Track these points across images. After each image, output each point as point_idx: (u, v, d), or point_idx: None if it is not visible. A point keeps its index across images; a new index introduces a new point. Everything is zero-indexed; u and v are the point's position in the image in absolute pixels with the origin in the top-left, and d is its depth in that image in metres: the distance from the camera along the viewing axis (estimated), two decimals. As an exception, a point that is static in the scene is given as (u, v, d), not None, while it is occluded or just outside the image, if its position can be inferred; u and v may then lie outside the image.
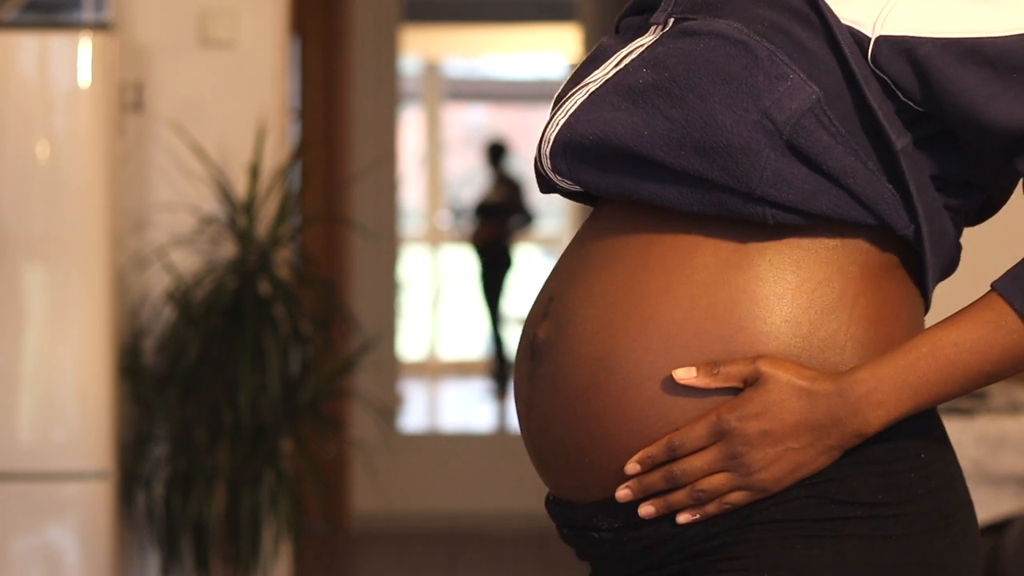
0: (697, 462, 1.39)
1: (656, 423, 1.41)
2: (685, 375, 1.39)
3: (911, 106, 1.42)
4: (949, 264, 1.49)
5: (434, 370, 11.00)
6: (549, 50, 11.54)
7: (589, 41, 7.64)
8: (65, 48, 3.74)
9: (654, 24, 1.51)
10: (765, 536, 1.41)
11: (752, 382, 1.39)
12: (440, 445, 7.47)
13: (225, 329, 4.06)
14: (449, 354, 11.47)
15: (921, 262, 1.45)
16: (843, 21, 1.42)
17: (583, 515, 1.47)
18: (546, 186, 1.53)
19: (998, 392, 4.20)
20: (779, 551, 1.40)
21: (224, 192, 4.21)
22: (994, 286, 1.40)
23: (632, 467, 1.40)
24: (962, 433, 3.89)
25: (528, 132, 12.24)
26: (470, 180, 11.47)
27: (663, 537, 1.43)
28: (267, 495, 4.08)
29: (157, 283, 4.23)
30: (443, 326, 11.56)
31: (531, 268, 11.47)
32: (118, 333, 3.93)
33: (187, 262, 4.24)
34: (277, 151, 4.33)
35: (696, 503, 1.40)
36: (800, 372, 1.40)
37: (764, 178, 1.38)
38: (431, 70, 11.99)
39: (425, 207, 11.91)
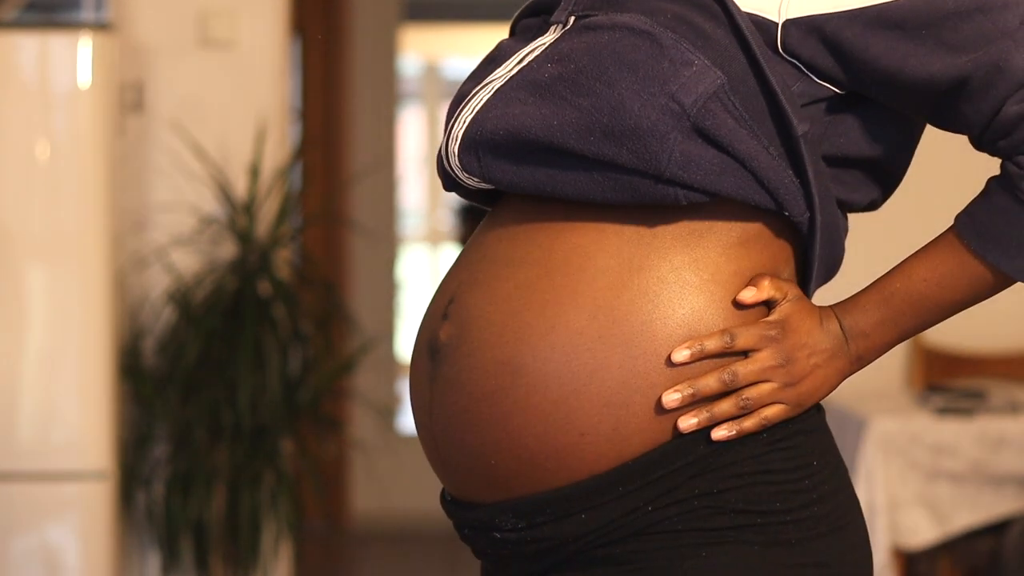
0: (752, 365, 1.43)
1: (562, 426, 1.42)
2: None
3: (825, 87, 1.45)
4: (834, 263, 1.52)
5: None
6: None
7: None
8: (65, 48, 3.74)
9: (555, 23, 1.52)
10: (665, 544, 1.42)
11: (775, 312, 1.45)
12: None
13: (225, 329, 4.06)
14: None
15: (809, 255, 1.48)
16: (744, 9, 1.44)
17: (486, 515, 1.48)
18: (450, 184, 1.54)
19: (998, 392, 4.20)
20: (679, 559, 1.42)
21: (224, 192, 4.20)
22: (954, 226, 1.47)
23: (681, 354, 1.41)
24: (962, 433, 3.89)
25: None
26: (470, 180, 11.46)
27: (566, 539, 1.44)
28: (267, 495, 4.08)
29: (157, 283, 4.23)
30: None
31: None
32: (118, 333, 3.93)
33: (187, 262, 4.24)
34: (277, 151, 4.33)
35: (740, 414, 1.42)
36: (810, 304, 1.47)
37: (672, 159, 1.39)
38: (431, 70, 11.99)
39: (425, 207, 11.91)
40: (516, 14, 1.61)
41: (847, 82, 1.45)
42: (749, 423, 1.43)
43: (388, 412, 6.72)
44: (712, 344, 1.41)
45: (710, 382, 1.41)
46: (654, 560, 1.42)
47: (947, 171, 3.56)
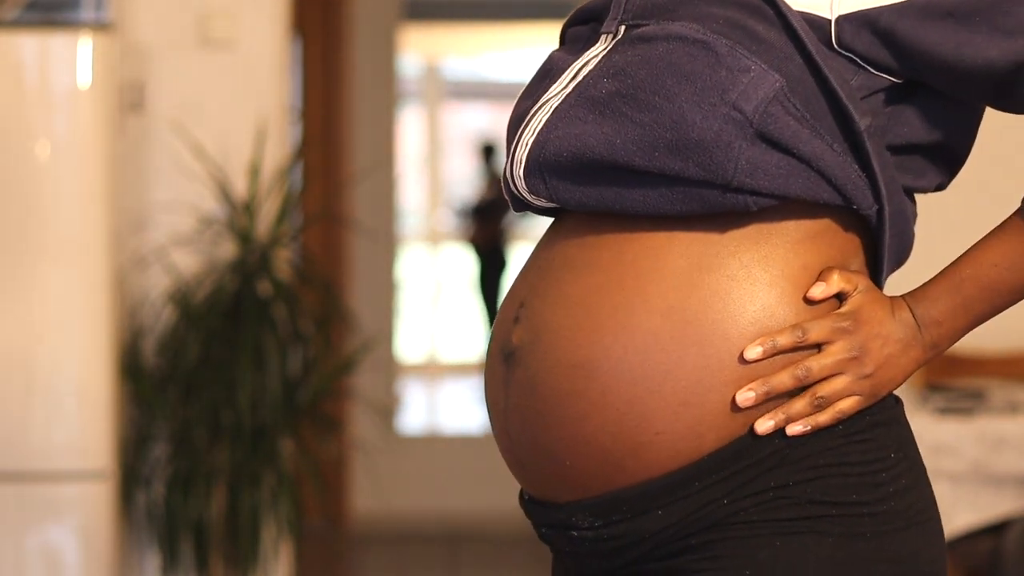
0: (826, 359, 1.43)
1: (638, 426, 1.43)
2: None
3: (884, 77, 1.46)
4: (904, 250, 1.53)
5: (434, 371, 11.00)
6: (549, 50, 11.52)
7: (589, 41, 7.64)
8: (65, 48, 3.74)
9: (605, 33, 1.52)
10: (740, 535, 1.43)
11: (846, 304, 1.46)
12: (439, 446, 7.47)
13: (225, 329, 4.06)
14: (448, 355, 11.46)
15: (879, 245, 1.49)
16: (796, 8, 1.45)
17: (563, 515, 1.49)
18: (519, 205, 1.55)
19: (998, 392, 4.20)
20: (753, 549, 1.43)
21: (224, 192, 4.20)
22: (1021, 209, 1.47)
23: (754, 351, 1.42)
24: (962, 433, 3.89)
25: (528, 132, 12.23)
26: (470, 180, 11.47)
27: (642, 535, 1.46)
28: (267, 495, 4.08)
29: (157, 283, 4.23)
30: (442, 326, 11.55)
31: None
32: (118, 333, 3.93)
33: (187, 262, 4.24)
34: (277, 151, 4.33)
35: (814, 411, 1.43)
36: (881, 294, 1.48)
37: (739, 168, 1.41)
38: (431, 70, 12.00)
39: (425, 207, 11.91)
40: (565, 21, 1.62)
41: (904, 73, 1.46)
42: (824, 417, 1.44)
43: (388, 412, 6.72)
44: (784, 340, 1.43)
45: (784, 379, 1.43)
46: (728, 551, 1.43)
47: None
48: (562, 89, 1.50)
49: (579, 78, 1.50)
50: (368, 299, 6.56)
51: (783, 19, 1.44)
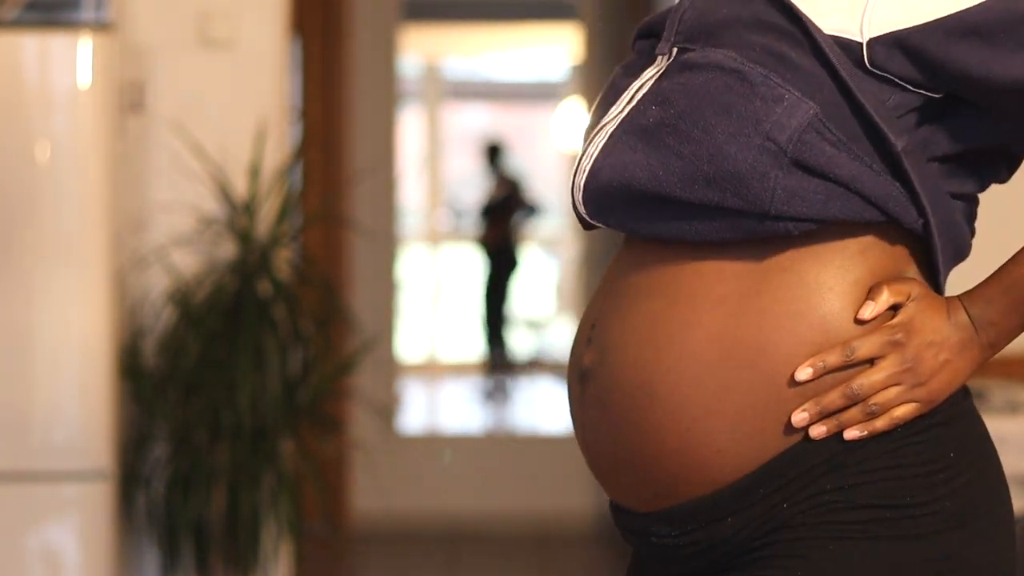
0: (876, 375, 1.47)
1: (699, 445, 1.49)
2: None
3: (921, 94, 1.49)
4: (960, 250, 1.56)
5: (434, 371, 11.00)
6: (549, 49, 11.53)
7: (589, 41, 7.64)
8: (65, 48, 3.74)
9: (660, 54, 1.56)
10: (797, 538, 1.48)
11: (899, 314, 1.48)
12: (439, 446, 7.46)
13: (225, 329, 4.06)
14: (448, 355, 11.46)
15: (931, 251, 1.52)
16: (827, 31, 1.48)
17: (641, 523, 1.56)
18: (588, 225, 1.59)
19: (998, 392, 4.20)
20: (808, 553, 1.47)
21: (224, 192, 4.20)
22: None
23: (804, 373, 1.46)
24: (962, 433, 3.88)
25: (528, 132, 12.23)
26: (470, 180, 11.47)
27: (715, 541, 1.52)
28: (267, 495, 4.07)
29: (157, 283, 4.23)
30: (442, 326, 11.55)
31: (534, 268, 11.46)
32: (118, 333, 3.93)
33: (187, 262, 4.24)
34: (277, 151, 4.33)
35: (867, 418, 1.47)
36: (937, 299, 1.51)
37: (776, 197, 1.45)
38: (431, 70, 12.00)
39: (425, 207, 11.91)
40: (636, 30, 1.64)
41: (940, 89, 1.49)
42: (880, 423, 1.48)
43: (388, 412, 6.72)
44: (833, 359, 1.47)
45: (835, 399, 1.47)
46: (785, 553, 1.48)
47: None
48: (618, 113, 1.55)
49: (633, 103, 1.54)
50: (368, 299, 6.56)
51: (813, 44, 1.47)
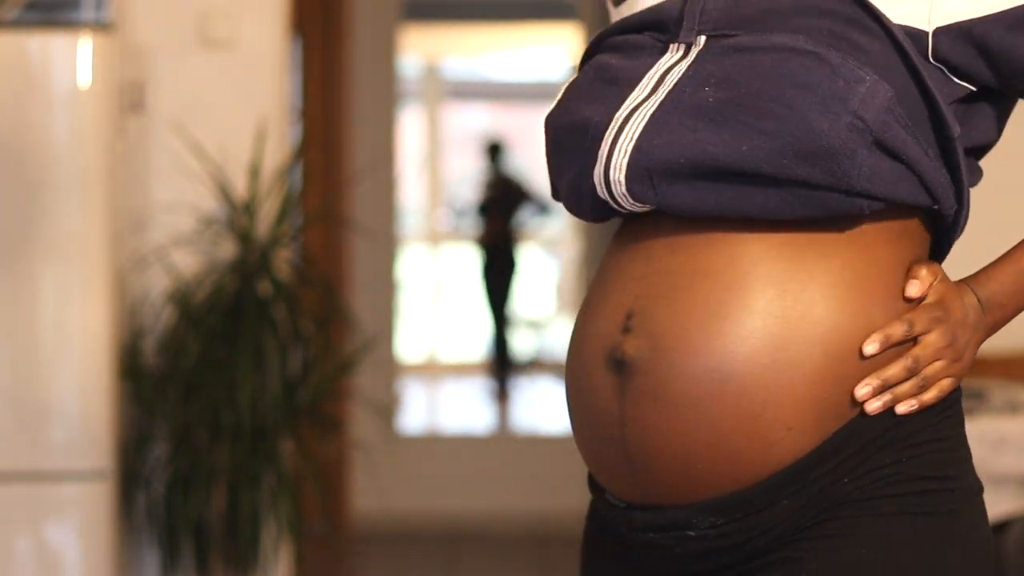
0: (928, 349, 1.53)
1: (770, 425, 1.50)
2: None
3: (963, 86, 1.55)
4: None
5: (434, 371, 11.00)
6: (549, 49, 11.53)
7: (589, 40, 7.63)
8: (65, 48, 3.74)
9: (679, 43, 1.56)
10: (860, 513, 1.52)
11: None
12: (440, 446, 7.47)
13: (225, 329, 4.06)
14: (448, 355, 11.46)
15: (950, 236, 1.60)
16: (895, 21, 1.52)
17: (682, 517, 1.54)
18: (600, 212, 1.58)
19: (998, 392, 4.20)
20: (871, 527, 1.52)
21: (224, 192, 4.20)
22: None
23: (871, 347, 1.51)
24: (962, 433, 3.89)
25: (528, 132, 12.23)
26: (470, 180, 11.46)
27: (763, 528, 1.53)
28: (267, 495, 4.07)
29: (157, 283, 4.23)
30: (443, 326, 11.55)
31: (534, 268, 11.46)
32: (118, 333, 3.93)
33: (187, 262, 4.24)
34: (277, 151, 4.33)
35: (918, 391, 1.53)
36: (952, 282, 1.58)
37: (861, 175, 1.48)
38: (431, 70, 12.00)
39: (425, 207, 11.91)
40: (605, 31, 1.65)
41: (989, 80, 1.54)
42: (929, 395, 1.54)
43: (388, 412, 6.72)
44: (897, 333, 1.52)
45: (896, 371, 1.52)
46: (847, 529, 1.52)
47: None
48: (647, 97, 1.54)
49: (668, 85, 1.54)
50: (368, 299, 6.56)
51: (887, 31, 1.52)
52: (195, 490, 4.03)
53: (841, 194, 1.49)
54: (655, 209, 1.55)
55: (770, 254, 1.51)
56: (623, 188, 1.54)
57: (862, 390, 1.51)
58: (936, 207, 1.55)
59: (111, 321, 3.79)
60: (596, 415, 1.57)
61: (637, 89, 1.55)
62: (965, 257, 1.73)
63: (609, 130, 1.54)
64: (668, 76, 1.55)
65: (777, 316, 1.50)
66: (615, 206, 1.56)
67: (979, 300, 1.58)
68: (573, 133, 1.58)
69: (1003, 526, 3.92)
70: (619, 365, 1.54)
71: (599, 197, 1.56)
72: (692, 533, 1.54)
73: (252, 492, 4.05)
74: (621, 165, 1.53)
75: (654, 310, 1.53)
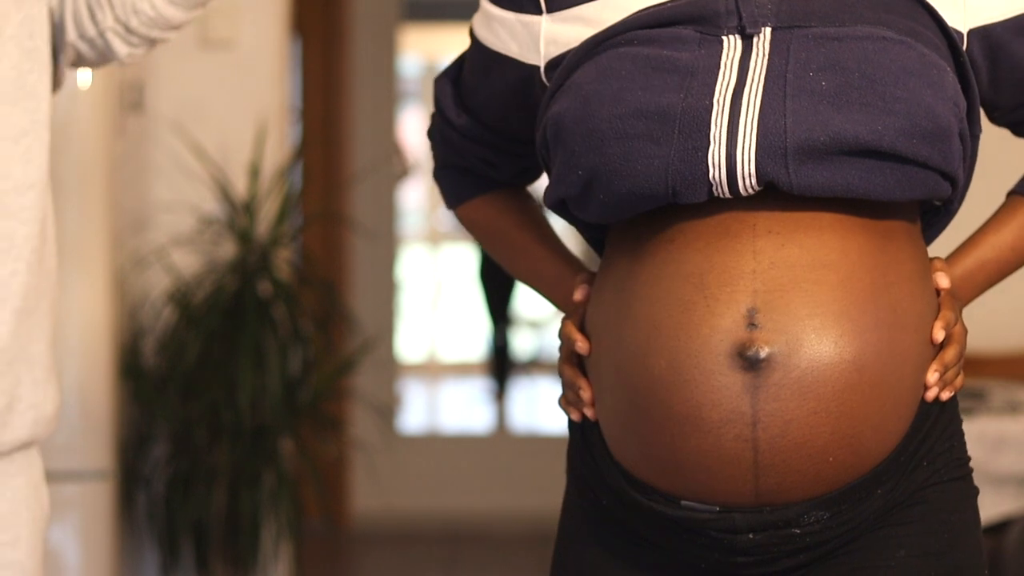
0: (961, 336, 1.61)
1: (891, 413, 1.55)
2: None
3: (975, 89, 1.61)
4: None
5: (434, 371, 11.00)
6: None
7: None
8: (65, 48, 3.73)
9: (737, 35, 1.57)
10: (937, 496, 1.60)
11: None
12: (440, 445, 7.47)
13: (225, 329, 4.06)
14: (448, 355, 11.46)
15: (939, 229, 1.67)
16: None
17: (792, 514, 1.55)
18: (689, 194, 1.54)
19: (998, 392, 4.20)
20: (951, 512, 1.60)
21: (224, 192, 4.20)
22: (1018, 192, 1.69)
23: (940, 333, 1.58)
24: (962, 433, 3.88)
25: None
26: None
27: (857, 522, 1.57)
28: (267, 495, 4.07)
29: (157, 283, 4.23)
30: (442, 326, 11.55)
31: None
32: (118, 333, 3.93)
33: (187, 262, 4.24)
34: (277, 151, 4.33)
35: (955, 377, 1.61)
36: None
37: (958, 158, 1.55)
38: (431, 70, 11.99)
39: (425, 207, 11.90)
40: (618, 26, 1.62)
41: (986, 85, 1.61)
42: (960, 381, 1.61)
43: (388, 412, 6.72)
44: (952, 320, 1.60)
45: (951, 357, 1.59)
46: (928, 513, 1.59)
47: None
48: (739, 82, 1.54)
49: (758, 72, 1.54)
50: (368, 299, 6.56)
51: (942, 29, 1.57)
52: (195, 490, 4.03)
53: (941, 175, 1.54)
54: (735, 201, 1.55)
55: (870, 245, 1.55)
56: (751, 167, 1.52)
57: (933, 375, 1.57)
58: (948, 201, 1.61)
59: (111, 321, 3.79)
60: (714, 415, 1.53)
61: (720, 76, 1.55)
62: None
63: (716, 113, 1.53)
64: (751, 63, 1.55)
65: (889, 305, 1.54)
66: (722, 190, 1.54)
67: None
68: (644, 120, 1.54)
69: (1003, 526, 3.91)
70: (752, 362, 1.52)
71: (708, 179, 1.53)
72: (797, 530, 1.55)
73: (252, 492, 4.05)
74: (750, 145, 1.52)
75: (782, 304, 1.53)
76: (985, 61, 1.60)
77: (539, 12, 1.69)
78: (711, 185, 1.53)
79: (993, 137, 1.88)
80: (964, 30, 1.59)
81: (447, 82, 1.84)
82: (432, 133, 1.86)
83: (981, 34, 1.59)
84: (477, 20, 1.77)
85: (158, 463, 4.11)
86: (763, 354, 1.52)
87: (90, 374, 3.74)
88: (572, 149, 1.58)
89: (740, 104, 1.53)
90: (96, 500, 3.74)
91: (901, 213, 1.58)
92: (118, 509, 3.86)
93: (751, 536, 1.56)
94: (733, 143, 1.52)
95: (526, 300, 10.54)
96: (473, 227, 1.86)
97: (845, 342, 1.52)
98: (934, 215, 1.65)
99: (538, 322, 11.24)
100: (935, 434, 1.59)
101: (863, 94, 1.51)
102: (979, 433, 3.89)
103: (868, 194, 1.53)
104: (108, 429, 3.76)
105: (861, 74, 1.52)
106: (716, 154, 1.52)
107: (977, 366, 4.50)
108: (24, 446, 1.82)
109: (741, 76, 1.55)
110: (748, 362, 1.52)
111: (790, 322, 1.52)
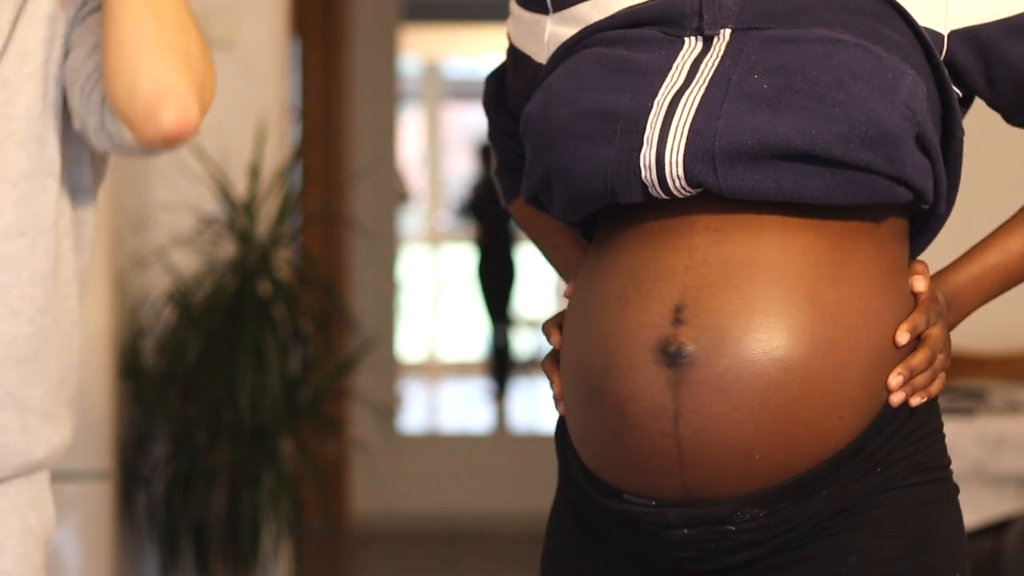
0: (937, 341, 1.57)
1: (828, 412, 1.52)
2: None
3: (955, 90, 1.58)
4: None
5: (434, 371, 11.00)
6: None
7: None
8: (65, 48, 3.73)
9: (699, 36, 1.57)
10: (894, 502, 1.56)
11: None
12: (440, 445, 7.47)
13: (225, 329, 4.06)
14: (448, 355, 11.46)
15: (929, 235, 1.63)
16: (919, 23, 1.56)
17: (725, 510, 1.54)
18: (633, 193, 1.55)
19: (998, 392, 4.20)
20: (907, 517, 1.56)
21: (224, 192, 4.21)
22: None
23: (904, 336, 1.54)
24: (962, 433, 3.89)
25: (528, 132, 12.22)
26: (470, 180, 11.47)
27: (801, 519, 1.54)
28: (267, 495, 4.08)
29: (157, 283, 4.23)
30: (442, 326, 11.55)
31: (534, 268, 11.47)
32: (118, 333, 3.93)
33: (187, 262, 4.24)
34: (277, 151, 4.33)
35: (929, 383, 1.57)
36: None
37: (910, 163, 1.52)
38: (431, 70, 12.00)
39: (425, 207, 11.91)
40: (592, 27, 1.64)
41: (980, 84, 1.59)
42: (935, 387, 1.58)
43: (388, 412, 6.72)
44: (922, 324, 1.56)
45: (920, 361, 1.56)
46: (884, 519, 1.55)
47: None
48: (684, 83, 1.54)
49: (706, 74, 1.54)
50: (368, 299, 6.56)
51: (915, 31, 1.55)
52: (195, 490, 4.03)
53: (892, 181, 1.51)
54: (691, 205, 1.55)
55: (817, 245, 1.53)
56: (679, 170, 1.52)
57: (895, 379, 1.54)
58: (931, 206, 1.58)
59: (111, 321, 3.79)
60: (638, 410, 1.54)
61: (669, 77, 1.56)
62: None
63: (653, 114, 1.54)
64: (702, 65, 1.55)
65: (832, 305, 1.52)
66: (657, 191, 1.54)
67: (945, 298, 1.62)
68: (593, 120, 1.56)
69: (1003, 526, 3.91)
70: (674, 357, 1.52)
71: (642, 181, 1.54)
72: (732, 527, 1.54)
73: (252, 492, 4.05)
74: (678, 147, 1.52)
75: (709, 301, 1.52)
76: (976, 63, 1.58)
77: (546, 12, 1.72)
78: (646, 186, 1.54)
79: (994, 141, 1.87)
80: (945, 31, 1.57)
81: (491, 81, 1.89)
82: (489, 133, 1.92)
83: (966, 35, 1.57)
84: (509, 18, 1.80)
85: (158, 463, 4.11)
86: (684, 350, 1.52)
87: (90, 374, 3.74)
88: (534, 147, 1.62)
89: (677, 106, 1.54)
90: (96, 500, 3.74)
91: (861, 215, 1.55)
92: (118, 509, 3.86)
93: (685, 531, 1.55)
94: (663, 145, 1.53)
95: (526, 300, 10.54)
96: (521, 224, 1.88)
97: (771, 340, 1.50)
98: (924, 219, 1.62)
99: (538, 322, 11.24)
100: (896, 439, 1.56)
101: (802, 97, 1.50)
102: (979, 433, 3.89)
103: (804, 198, 1.51)
104: (108, 429, 3.76)
105: (804, 77, 1.50)
106: (647, 155, 1.53)
107: (977, 366, 4.50)
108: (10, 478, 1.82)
109: (689, 78, 1.55)
110: (670, 358, 1.52)
111: (715, 319, 1.51)
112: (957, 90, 1.59)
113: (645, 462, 1.55)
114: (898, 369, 1.55)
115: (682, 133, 1.52)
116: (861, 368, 1.53)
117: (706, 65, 1.55)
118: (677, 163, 1.52)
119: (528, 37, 1.75)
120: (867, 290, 1.54)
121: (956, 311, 1.64)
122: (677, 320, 1.53)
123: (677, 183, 1.53)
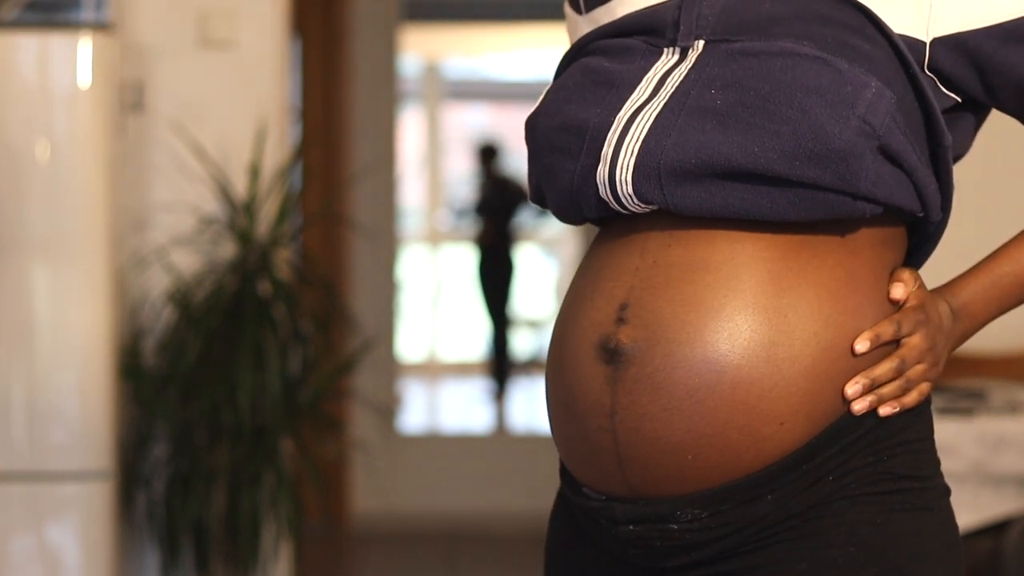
0: (913, 351, 1.55)
1: (765, 418, 1.51)
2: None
3: (951, 96, 1.57)
4: None
5: (434, 371, 11.00)
6: (549, 49, 11.53)
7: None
8: (65, 48, 3.74)
9: (675, 47, 1.57)
10: (845, 510, 1.54)
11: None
12: (440, 446, 7.47)
13: (225, 329, 4.06)
14: (448, 355, 11.46)
15: (925, 249, 1.62)
16: (894, 30, 1.54)
17: (666, 509, 1.54)
18: (598, 210, 1.57)
19: (998, 392, 4.20)
20: (857, 525, 1.53)
21: (224, 192, 4.20)
22: None
23: (862, 345, 1.53)
24: (962, 433, 3.89)
25: (528, 132, 12.20)
26: (470, 180, 11.47)
27: (746, 523, 1.53)
28: (267, 495, 4.07)
29: (157, 283, 4.23)
30: (442, 326, 11.55)
31: (534, 268, 11.47)
32: (118, 333, 3.93)
33: (187, 262, 4.24)
34: (277, 151, 4.33)
35: (902, 393, 1.55)
36: (928, 290, 1.59)
37: (868, 178, 1.49)
38: (431, 70, 11.99)
39: (425, 207, 11.91)
40: (588, 35, 1.65)
41: (976, 92, 1.57)
42: (910, 399, 1.56)
43: (388, 412, 6.72)
44: (887, 333, 1.54)
45: (884, 371, 1.54)
46: (833, 527, 1.53)
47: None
48: (648, 99, 1.55)
49: (669, 88, 1.55)
50: (368, 299, 6.56)
51: (889, 40, 1.53)
52: (195, 490, 4.03)
53: (847, 197, 1.49)
54: (656, 210, 1.55)
55: (768, 252, 1.52)
56: (629, 188, 1.54)
57: (852, 388, 1.52)
58: (923, 215, 1.56)
59: (111, 321, 3.79)
60: (582, 405, 1.57)
61: (636, 91, 1.56)
62: (944, 263, 1.75)
63: (612, 131, 1.55)
64: (669, 79, 1.55)
65: (775, 311, 1.51)
66: (616, 207, 1.56)
67: (951, 309, 1.60)
68: (567, 134, 1.58)
69: (1003, 526, 3.92)
70: (612, 354, 1.54)
71: (600, 198, 1.56)
72: (675, 526, 1.54)
73: (252, 492, 4.05)
74: (628, 165, 1.53)
75: (650, 301, 1.53)
76: (967, 70, 1.56)
77: (580, 12, 1.75)
78: (605, 202, 1.56)
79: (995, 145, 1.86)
80: (927, 39, 1.55)
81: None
82: None
83: (952, 43, 1.55)
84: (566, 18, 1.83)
85: (158, 463, 4.11)
86: (622, 348, 1.53)
87: (90, 374, 3.74)
88: (528, 155, 1.65)
89: (632, 122, 1.54)
90: (96, 500, 3.75)
91: (826, 225, 1.53)
92: (118, 509, 3.86)
93: (631, 528, 1.56)
94: (615, 162, 1.54)
95: (526, 300, 10.54)
96: None
97: (706, 342, 1.50)
98: (922, 228, 1.61)
99: (537, 322, 11.24)
100: (856, 449, 1.54)
101: (752, 113, 1.49)
102: (979, 433, 3.89)
103: (755, 215, 1.51)
104: (108, 429, 3.76)
105: (756, 92, 1.50)
106: (602, 173, 1.55)
107: (977, 366, 4.51)
108: None
109: (655, 92, 1.55)
110: (609, 355, 1.54)
111: (654, 319, 1.52)
112: (955, 96, 1.57)
113: (592, 457, 1.57)
114: (856, 378, 1.53)
115: (633, 151, 1.53)
116: (804, 376, 1.51)
117: (673, 78, 1.55)
118: (627, 181, 1.54)
119: (575, 36, 1.78)
120: (818, 298, 1.52)
121: (965, 322, 1.62)
122: (620, 319, 1.55)
123: (630, 200, 1.54)
